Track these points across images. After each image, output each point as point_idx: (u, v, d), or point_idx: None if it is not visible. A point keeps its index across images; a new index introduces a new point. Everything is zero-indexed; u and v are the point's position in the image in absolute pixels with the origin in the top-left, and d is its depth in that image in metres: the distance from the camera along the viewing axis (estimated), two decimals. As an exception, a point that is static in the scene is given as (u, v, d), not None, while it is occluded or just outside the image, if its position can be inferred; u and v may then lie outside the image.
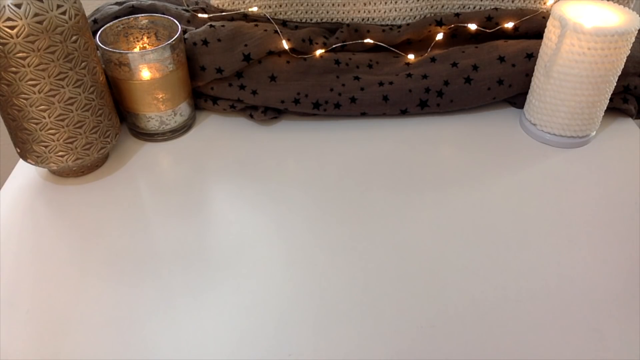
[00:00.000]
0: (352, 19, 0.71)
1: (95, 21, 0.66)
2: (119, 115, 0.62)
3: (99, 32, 0.60)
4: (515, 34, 0.69)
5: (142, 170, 0.61)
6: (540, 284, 0.48)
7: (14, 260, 0.51)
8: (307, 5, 0.70)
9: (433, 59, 0.67)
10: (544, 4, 0.69)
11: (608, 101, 0.61)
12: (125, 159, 0.62)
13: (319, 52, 0.66)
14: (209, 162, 0.62)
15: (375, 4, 0.70)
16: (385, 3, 0.70)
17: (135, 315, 0.46)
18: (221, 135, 0.65)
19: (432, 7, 0.70)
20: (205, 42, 0.63)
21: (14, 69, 0.49)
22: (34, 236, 0.53)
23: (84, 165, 0.58)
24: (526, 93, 0.66)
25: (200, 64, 0.63)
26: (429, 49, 0.69)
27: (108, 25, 0.62)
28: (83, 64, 0.52)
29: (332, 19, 0.71)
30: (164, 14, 0.67)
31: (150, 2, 0.69)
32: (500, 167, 0.60)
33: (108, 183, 0.59)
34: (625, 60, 0.59)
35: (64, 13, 0.49)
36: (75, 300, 0.47)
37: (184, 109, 0.64)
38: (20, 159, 0.63)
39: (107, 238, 0.53)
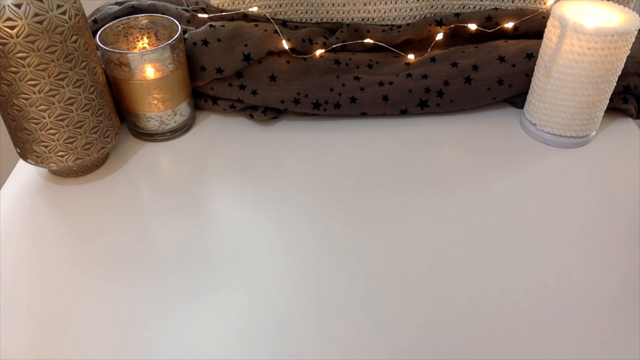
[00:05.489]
0: (352, 19, 0.71)
1: (95, 21, 0.66)
2: (119, 115, 0.62)
3: (99, 32, 0.60)
4: (515, 34, 0.69)
5: (142, 170, 0.61)
6: (540, 284, 0.48)
7: (14, 260, 0.51)
8: (307, 5, 0.70)
9: (433, 59, 0.67)
10: (544, 4, 0.69)
11: (608, 101, 0.61)
12: (125, 159, 0.62)
13: (319, 52, 0.66)
14: (209, 162, 0.62)
15: (375, 4, 0.70)
16: (385, 3, 0.70)
17: (135, 315, 0.46)
18: (221, 135, 0.65)
19: (432, 7, 0.70)
20: (205, 42, 0.63)
21: (14, 69, 0.49)
22: (34, 236, 0.53)
23: (84, 165, 0.58)
24: (526, 93, 0.66)
25: (200, 64, 0.63)
26: (429, 49, 0.69)
27: (108, 25, 0.62)
28: (83, 64, 0.52)
29: (332, 19, 0.71)
30: (164, 14, 0.67)
31: (150, 2, 0.69)
32: (500, 167, 0.60)
33: (108, 183, 0.59)
34: (625, 60, 0.59)
35: (64, 13, 0.49)
36: (75, 300, 0.47)
37: (184, 109, 0.64)
38: (20, 159, 0.63)
39: (107, 238, 0.53)
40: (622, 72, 0.60)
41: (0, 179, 1.03)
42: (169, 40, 0.59)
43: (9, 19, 0.46)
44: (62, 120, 0.53)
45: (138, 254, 0.51)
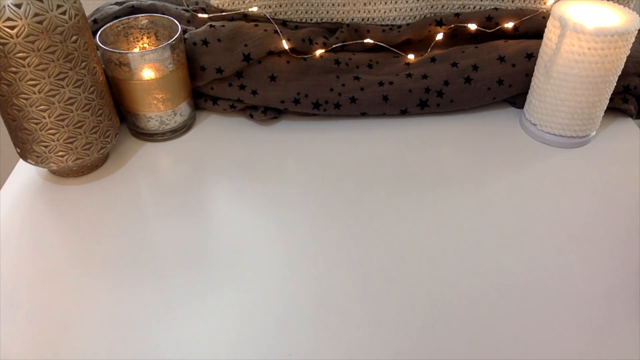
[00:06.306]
0: (352, 19, 0.71)
1: (95, 21, 0.66)
2: (119, 115, 0.62)
3: (99, 32, 0.60)
4: (515, 34, 0.69)
5: (142, 170, 0.61)
6: (540, 284, 0.48)
7: (14, 260, 0.51)
8: (307, 5, 0.70)
9: (433, 59, 0.67)
10: (544, 4, 0.69)
11: (608, 101, 0.61)
12: (125, 159, 0.62)
13: (319, 52, 0.66)
14: (209, 162, 0.62)
15: (375, 4, 0.70)
16: (385, 3, 0.70)
17: (135, 315, 0.46)
18: (221, 135, 0.65)
19: (432, 7, 0.70)
20: (205, 42, 0.63)
21: (14, 69, 0.49)
22: (34, 236, 0.53)
23: (84, 165, 0.58)
24: (526, 93, 0.66)
25: (200, 64, 0.63)
26: (429, 49, 0.69)
27: (108, 25, 0.62)
28: (83, 64, 0.52)
29: (332, 19, 0.71)
30: (164, 14, 0.67)
31: (150, 2, 0.69)
32: (500, 167, 0.60)
33: (108, 183, 0.59)
34: (625, 60, 0.59)
35: (64, 13, 0.49)
36: (75, 300, 0.47)
37: (184, 109, 0.64)
38: (20, 159, 0.63)
39: (107, 238, 0.53)
40: (622, 72, 0.60)
41: (0, 179, 1.03)
42: (169, 40, 0.59)
43: (9, 19, 0.46)
44: (62, 120, 0.53)
45: (138, 254, 0.51)
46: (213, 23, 0.65)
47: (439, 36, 0.69)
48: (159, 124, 0.63)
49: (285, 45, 0.64)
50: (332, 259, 0.50)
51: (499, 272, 0.49)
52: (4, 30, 0.47)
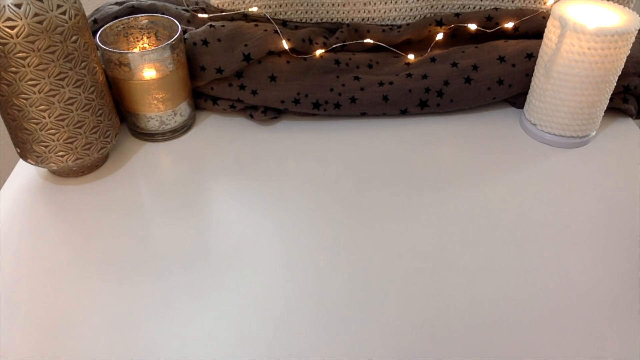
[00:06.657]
0: (352, 19, 0.71)
1: (95, 21, 0.66)
2: (119, 115, 0.62)
3: (99, 32, 0.60)
4: (515, 34, 0.69)
5: (142, 170, 0.61)
6: (540, 284, 0.48)
7: (14, 260, 0.51)
8: (307, 5, 0.70)
9: (433, 59, 0.67)
10: (544, 4, 0.69)
11: (608, 101, 0.61)
12: (125, 159, 0.62)
13: (319, 52, 0.66)
14: (209, 162, 0.62)
15: (375, 4, 0.70)
16: (385, 3, 0.70)
17: (135, 315, 0.46)
18: (221, 135, 0.65)
19: (432, 7, 0.70)
20: (205, 42, 0.63)
21: (14, 69, 0.49)
22: (34, 236, 0.53)
23: (84, 165, 0.58)
24: (526, 93, 0.66)
25: (200, 64, 0.63)
26: (429, 49, 0.69)
27: (108, 25, 0.62)
28: (83, 64, 0.52)
29: (332, 19, 0.71)
30: (164, 14, 0.67)
31: (150, 2, 0.69)
32: (500, 167, 0.60)
33: (108, 183, 0.59)
34: (625, 60, 0.59)
35: (64, 13, 0.49)
36: (75, 300, 0.47)
37: (184, 109, 0.64)
38: (20, 159, 0.63)
39: (107, 238, 0.53)
40: (622, 72, 0.60)
41: (0, 179, 1.03)
42: (169, 40, 0.59)
43: (9, 19, 0.46)
44: (62, 120, 0.53)
45: (138, 254, 0.51)
46: (213, 23, 0.65)
47: (439, 36, 0.69)
48: (159, 124, 0.63)
49: (285, 45, 0.64)
50: (332, 258, 0.50)
51: (499, 271, 0.49)
52: (4, 30, 0.47)
